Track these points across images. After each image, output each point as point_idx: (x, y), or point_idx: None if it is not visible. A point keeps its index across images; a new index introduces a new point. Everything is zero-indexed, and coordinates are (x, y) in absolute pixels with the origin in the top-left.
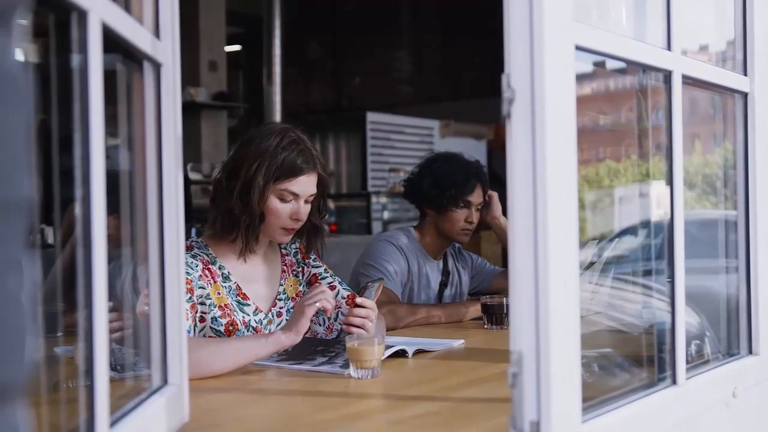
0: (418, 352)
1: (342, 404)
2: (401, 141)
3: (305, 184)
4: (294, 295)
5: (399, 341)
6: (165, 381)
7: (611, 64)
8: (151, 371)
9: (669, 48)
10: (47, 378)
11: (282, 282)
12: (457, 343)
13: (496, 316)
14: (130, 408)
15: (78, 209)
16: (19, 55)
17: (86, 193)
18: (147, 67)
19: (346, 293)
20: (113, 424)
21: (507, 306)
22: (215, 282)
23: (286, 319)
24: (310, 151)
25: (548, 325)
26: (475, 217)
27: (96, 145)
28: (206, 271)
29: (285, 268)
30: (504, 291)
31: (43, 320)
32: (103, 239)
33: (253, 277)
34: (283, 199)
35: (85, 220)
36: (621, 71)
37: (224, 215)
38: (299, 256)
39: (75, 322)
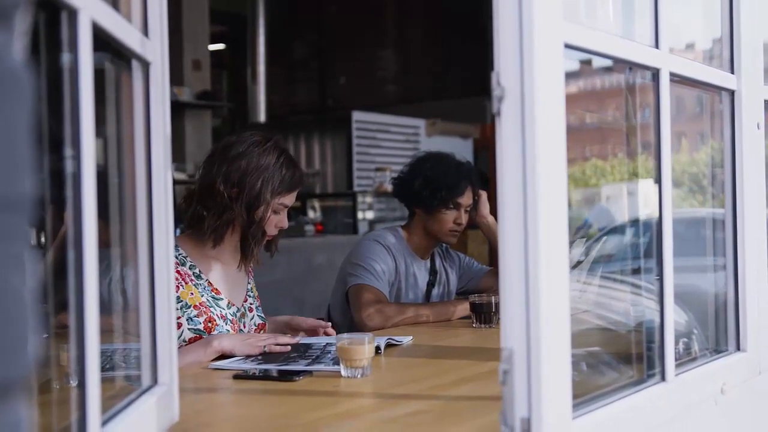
0: (389, 345)
1: (332, 403)
2: (387, 140)
3: (294, 197)
4: (256, 295)
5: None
6: (155, 381)
7: (597, 62)
8: (141, 371)
9: (657, 46)
10: (35, 378)
11: (249, 281)
12: (406, 340)
13: (485, 314)
14: (120, 408)
15: (68, 210)
16: (21, 54)
17: (77, 194)
18: (135, 66)
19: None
20: (104, 423)
21: (495, 304)
22: (187, 283)
23: (257, 315)
24: (299, 166)
25: (539, 321)
26: (464, 218)
27: (87, 145)
28: (176, 274)
29: (250, 269)
30: (492, 290)
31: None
32: (93, 239)
33: (224, 275)
34: (275, 212)
35: (75, 221)
36: (607, 69)
37: (226, 225)
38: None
39: (62, 323)
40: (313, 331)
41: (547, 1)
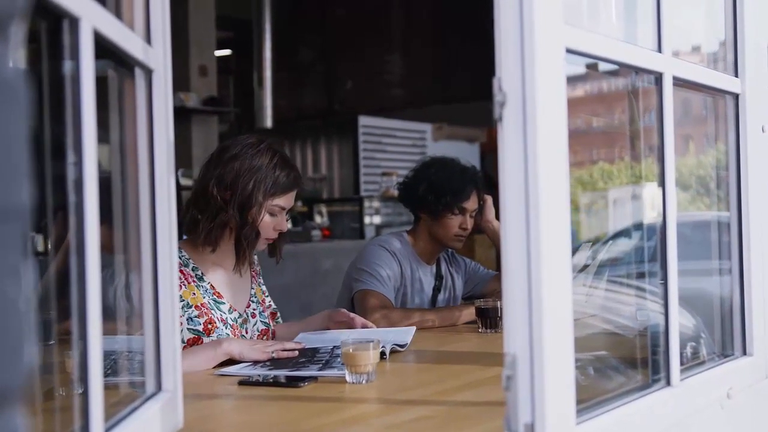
0: (394, 352)
1: (337, 409)
2: (394, 145)
3: (292, 199)
4: (260, 300)
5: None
6: (159, 387)
7: (603, 66)
8: (145, 378)
9: (660, 50)
10: (40, 386)
11: (253, 286)
12: (410, 334)
13: (490, 319)
14: (124, 415)
15: (70, 217)
16: (17, 63)
17: (79, 201)
18: (138, 74)
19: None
20: (108, 430)
21: (501, 309)
22: (189, 283)
23: (261, 321)
24: (295, 167)
25: (541, 326)
26: (470, 223)
27: (88, 152)
28: (179, 273)
29: (253, 274)
30: (497, 294)
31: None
32: (95, 246)
33: (227, 280)
34: (271, 214)
35: (78, 227)
36: (613, 73)
37: (219, 227)
38: (259, 268)
39: (67, 330)
40: (347, 324)
41: (548, 6)
